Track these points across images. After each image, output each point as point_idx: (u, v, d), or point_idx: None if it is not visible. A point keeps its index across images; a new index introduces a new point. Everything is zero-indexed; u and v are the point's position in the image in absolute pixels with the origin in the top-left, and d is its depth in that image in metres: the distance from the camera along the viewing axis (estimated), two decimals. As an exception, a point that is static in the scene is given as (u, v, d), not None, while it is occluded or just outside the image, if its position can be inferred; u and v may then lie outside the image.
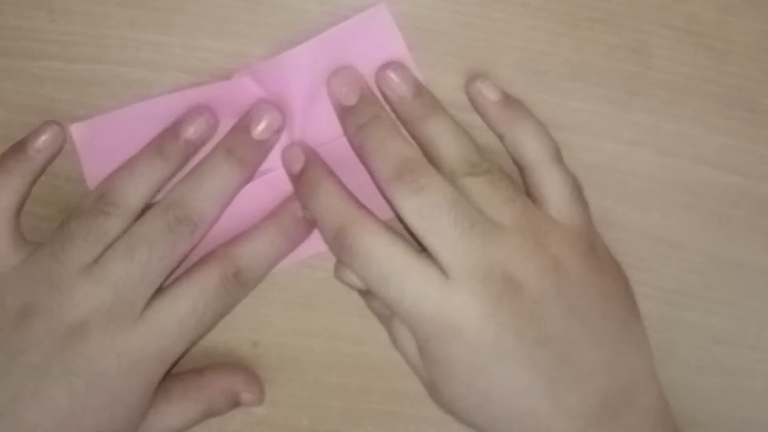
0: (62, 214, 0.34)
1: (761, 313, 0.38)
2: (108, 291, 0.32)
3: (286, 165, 0.36)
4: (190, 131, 0.34)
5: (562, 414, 0.32)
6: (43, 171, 0.35)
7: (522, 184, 0.36)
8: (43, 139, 0.35)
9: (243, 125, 0.35)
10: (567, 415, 0.32)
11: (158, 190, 0.34)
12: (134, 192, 0.34)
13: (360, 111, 0.35)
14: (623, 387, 0.33)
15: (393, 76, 0.35)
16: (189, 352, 0.37)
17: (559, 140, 0.36)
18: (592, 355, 0.32)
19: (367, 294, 0.36)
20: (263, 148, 0.35)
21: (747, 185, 0.38)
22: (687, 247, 0.38)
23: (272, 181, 0.36)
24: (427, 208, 0.32)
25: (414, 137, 0.35)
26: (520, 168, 0.36)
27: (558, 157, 0.35)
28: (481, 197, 0.33)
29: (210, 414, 0.35)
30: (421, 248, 0.33)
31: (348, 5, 0.36)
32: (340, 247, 0.33)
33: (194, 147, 0.35)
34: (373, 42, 0.36)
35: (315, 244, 0.36)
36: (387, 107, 0.35)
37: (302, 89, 0.35)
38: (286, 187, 0.36)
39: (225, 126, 0.36)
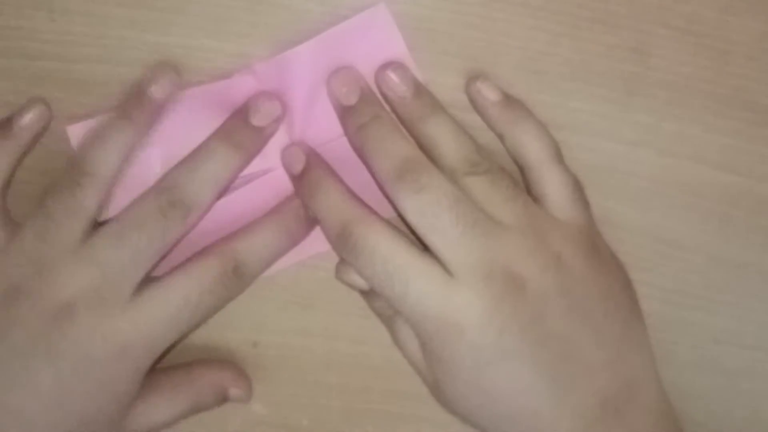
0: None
1: (761, 313, 0.38)
2: (96, 272, 0.32)
3: (287, 166, 0.36)
4: (153, 89, 0.34)
5: (563, 412, 0.32)
6: (29, 149, 0.35)
7: (523, 184, 0.36)
8: (28, 116, 0.35)
9: (241, 112, 0.35)
10: (569, 414, 0.32)
11: (129, 155, 0.34)
12: (105, 159, 0.33)
13: (360, 111, 0.35)
14: (625, 385, 0.33)
15: (393, 77, 0.35)
16: (184, 347, 0.37)
17: (559, 140, 0.36)
18: (594, 353, 0.32)
19: (369, 294, 0.35)
20: (261, 135, 0.35)
21: (747, 185, 0.38)
22: (687, 247, 0.38)
23: (272, 181, 0.36)
24: (428, 207, 0.32)
25: (414, 137, 0.35)
26: (521, 168, 0.36)
27: (558, 156, 0.35)
28: (482, 196, 0.33)
29: (198, 408, 0.35)
30: (424, 248, 0.33)
31: (348, 5, 0.36)
32: (343, 245, 0.33)
33: (159, 106, 0.34)
34: (373, 42, 0.36)
35: (315, 244, 0.36)
36: (387, 107, 0.35)
37: (302, 89, 0.35)
38: (286, 187, 0.36)
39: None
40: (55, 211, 0.33)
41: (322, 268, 0.37)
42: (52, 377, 0.32)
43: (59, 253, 0.32)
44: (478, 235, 0.32)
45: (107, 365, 0.32)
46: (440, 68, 0.36)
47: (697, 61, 0.37)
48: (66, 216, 0.33)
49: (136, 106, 0.34)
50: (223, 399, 0.36)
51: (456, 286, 0.32)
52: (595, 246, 0.34)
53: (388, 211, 0.34)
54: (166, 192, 0.33)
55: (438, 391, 0.34)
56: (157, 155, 0.35)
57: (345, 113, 0.35)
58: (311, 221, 0.36)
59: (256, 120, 0.35)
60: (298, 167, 0.35)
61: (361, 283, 0.34)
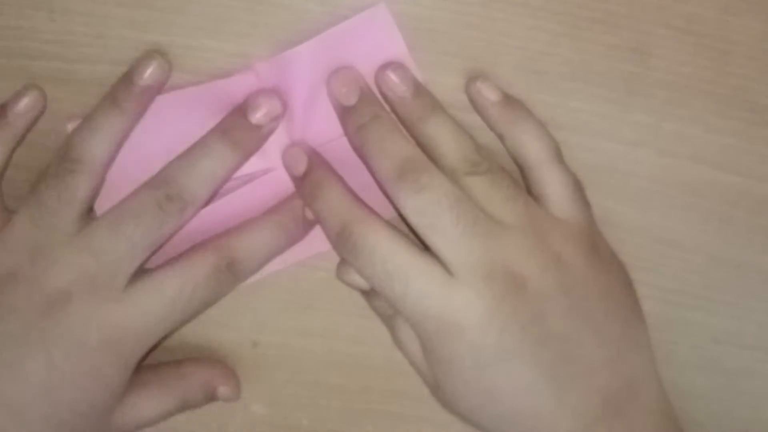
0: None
1: (761, 313, 0.38)
2: (91, 261, 0.32)
3: (289, 167, 0.36)
4: (144, 76, 0.34)
5: (564, 412, 0.32)
6: (23, 136, 0.35)
7: (523, 184, 0.36)
8: (23, 102, 0.35)
9: (241, 109, 0.35)
10: (569, 414, 0.32)
11: (121, 142, 0.34)
12: (96, 146, 0.33)
13: (360, 111, 0.35)
14: (625, 385, 0.33)
15: (392, 77, 0.35)
16: (183, 346, 0.37)
17: (559, 140, 0.36)
18: (594, 353, 0.32)
19: (369, 294, 0.36)
20: (259, 133, 0.35)
21: (747, 185, 0.38)
22: (687, 247, 0.38)
23: (272, 181, 0.36)
24: (429, 207, 0.32)
25: (414, 137, 0.35)
26: (521, 168, 0.36)
27: (559, 156, 0.35)
28: (483, 196, 0.33)
29: (186, 405, 0.35)
30: (425, 247, 0.33)
31: (348, 5, 0.36)
32: (343, 245, 0.33)
33: (149, 93, 0.34)
34: (373, 42, 0.36)
35: (315, 244, 0.36)
36: (387, 107, 0.35)
37: (302, 89, 0.35)
38: (287, 187, 0.36)
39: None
40: (48, 198, 0.33)
41: (322, 268, 0.37)
42: (44, 365, 0.32)
43: (54, 241, 0.32)
44: (479, 234, 0.32)
45: (99, 354, 0.32)
46: (440, 68, 0.36)
47: (697, 61, 0.37)
48: (59, 203, 0.33)
49: (126, 94, 0.34)
50: (211, 397, 0.36)
51: (456, 286, 0.32)
52: (595, 246, 0.34)
53: (388, 211, 0.34)
54: (164, 185, 0.33)
55: (438, 391, 0.34)
56: (157, 152, 0.35)
57: (345, 113, 0.35)
58: (309, 222, 0.36)
59: (255, 118, 0.35)
60: (301, 168, 0.35)
61: (362, 283, 0.34)
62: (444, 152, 0.34)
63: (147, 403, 0.34)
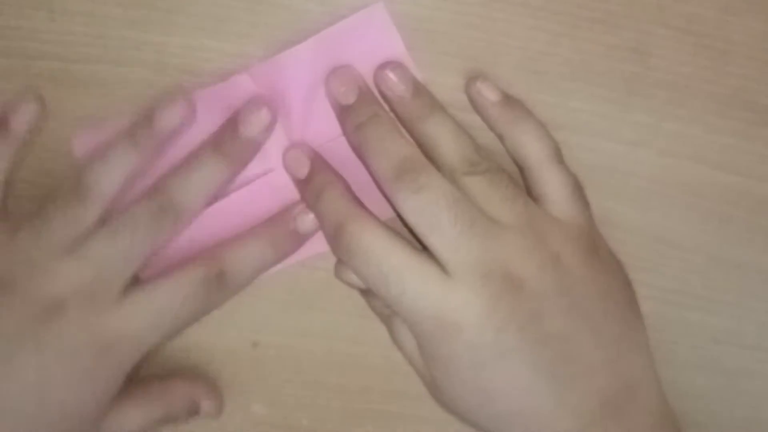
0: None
1: (761, 313, 0.38)
2: (88, 270, 0.33)
3: (291, 170, 0.36)
4: (164, 119, 0.34)
5: (562, 412, 0.32)
6: (25, 141, 0.35)
7: (522, 184, 0.36)
8: (23, 113, 0.35)
9: (232, 122, 0.35)
10: (568, 414, 0.32)
11: (134, 177, 0.34)
12: (109, 180, 0.34)
13: (358, 110, 0.35)
14: (624, 385, 0.33)
15: (391, 76, 0.35)
16: (184, 347, 0.37)
17: (559, 140, 0.36)
18: (593, 353, 0.32)
19: (368, 293, 0.36)
20: (250, 146, 0.35)
21: (747, 185, 0.38)
22: (687, 247, 0.38)
23: (272, 181, 0.36)
24: (427, 207, 0.32)
25: (413, 137, 0.35)
26: (521, 168, 0.36)
27: (558, 156, 0.35)
28: (481, 196, 0.33)
29: (169, 419, 0.35)
30: (423, 247, 0.33)
31: (348, 5, 0.36)
32: (338, 245, 0.33)
33: (168, 135, 0.35)
34: (371, 41, 0.36)
35: (315, 245, 0.36)
36: (386, 107, 0.35)
37: (300, 89, 0.35)
38: (286, 186, 0.36)
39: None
40: (53, 219, 0.33)
41: (322, 268, 0.37)
42: (35, 365, 0.32)
43: (52, 254, 0.33)
44: (477, 234, 0.32)
45: (91, 360, 0.33)
46: (440, 68, 0.36)
47: (697, 61, 0.37)
48: (64, 225, 0.33)
49: (145, 133, 0.34)
50: (194, 411, 0.36)
51: (453, 286, 0.32)
52: (594, 246, 0.34)
53: (387, 211, 0.34)
54: (159, 197, 0.34)
55: (436, 391, 0.34)
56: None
57: (343, 113, 0.35)
58: (301, 237, 0.36)
59: (246, 131, 0.35)
60: (303, 171, 0.35)
61: (359, 282, 0.34)
62: (443, 152, 0.34)
63: (130, 415, 0.35)
